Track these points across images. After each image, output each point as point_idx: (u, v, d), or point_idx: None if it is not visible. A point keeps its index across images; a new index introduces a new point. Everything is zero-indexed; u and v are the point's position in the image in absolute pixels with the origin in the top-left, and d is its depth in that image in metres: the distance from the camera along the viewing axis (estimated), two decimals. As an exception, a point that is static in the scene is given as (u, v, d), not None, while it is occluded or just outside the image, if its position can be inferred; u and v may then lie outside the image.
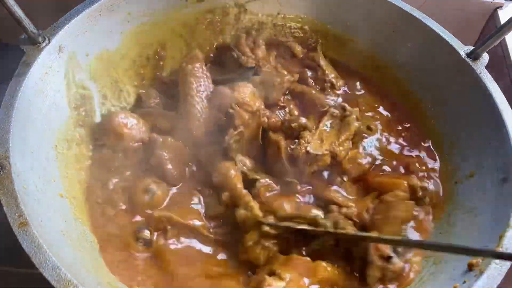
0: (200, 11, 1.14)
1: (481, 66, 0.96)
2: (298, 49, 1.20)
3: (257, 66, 1.08)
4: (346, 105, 1.01)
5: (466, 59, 0.97)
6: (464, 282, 0.72)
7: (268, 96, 1.04)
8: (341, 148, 0.96)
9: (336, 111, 1.00)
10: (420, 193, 0.93)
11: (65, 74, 0.92)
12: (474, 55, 0.97)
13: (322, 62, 1.16)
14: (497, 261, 0.72)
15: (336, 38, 1.20)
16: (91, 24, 0.95)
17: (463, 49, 0.99)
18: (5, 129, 0.75)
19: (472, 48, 0.98)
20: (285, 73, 1.09)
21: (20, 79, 0.80)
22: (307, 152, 0.91)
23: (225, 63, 1.13)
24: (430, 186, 0.97)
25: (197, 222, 0.87)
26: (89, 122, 0.97)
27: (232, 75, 1.07)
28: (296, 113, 1.08)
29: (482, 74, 0.95)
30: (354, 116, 0.99)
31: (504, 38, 1.13)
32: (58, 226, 0.76)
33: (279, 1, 1.18)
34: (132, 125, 0.94)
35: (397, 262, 0.81)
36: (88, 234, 0.82)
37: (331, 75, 1.15)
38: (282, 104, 1.08)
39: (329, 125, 0.98)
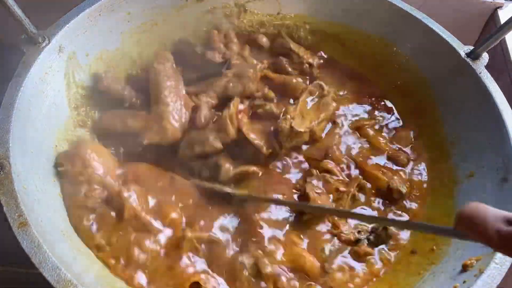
0: (200, 11, 1.14)
1: (481, 66, 0.96)
2: (263, 40, 1.17)
3: (227, 60, 1.05)
4: (323, 83, 1.04)
5: (466, 59, 0.97)
6: (464, 282, 0.72)
7: (245, 88, 1.03)
8: (319, 127, 1.00)
9: (314, 89, 1.03)
10: (396, 195, 0.96)
11: (65, 74, 0.92)
12: (474, 55, 0.97)
13: (292, 46, 1.15)
14: (497, 260, 0.72)
15: (336, 38, 1.20)
16: (91, 24, 0.96)
17: (463, 49, 0.99)
18: (5, 129, 0.75)
19: (472, 48, 0.98)
20: (255, 61, 1.09)
21: (20, 79, 0.80)
22: (291, 127, 0.94)
23: (187, 61, 1.08)
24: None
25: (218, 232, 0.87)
26: (89, 122, 0.97)
27: (203, 73, 1.04)
28: (273, 95, 1.07)
29: (482, 74, 0.95)
30: (331, 97, 1.03)
31: (504, 38, 1.13)
32: (58, 226, 0.76)
33: (279, 1, 1.18)
34: (101, 160, 0.86)
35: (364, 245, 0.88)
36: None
37: (305, 55, 1.14)
38: (258, 94, 1.05)
39: (309, 101, 1.02)
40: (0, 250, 0.90)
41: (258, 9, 1.18)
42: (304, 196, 0.92)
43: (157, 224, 0.83)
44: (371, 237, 0.90)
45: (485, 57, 0.96)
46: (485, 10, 1.29)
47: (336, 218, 0.91)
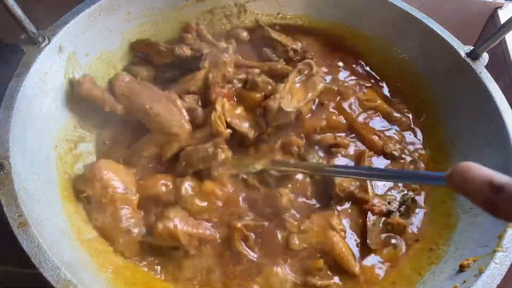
0: (200, 11, 1.14)
1: (481, 66, 0.96)
2: (243, 34, 1.15)
3: (201, 52, 1.02)
4: (312, 62, 1.04)
5: (466, 59, 0.97)
6: (464, 282, 0.72)
7: (225, 74, 1.00)
8: (306, 107, 1.00)
9: (303, 67, 1.03)
10: (390, 159, 1.02)
11: (65, 74, 0.92)
12: (474, 55, 0.97)
13: (273, 35, 1.14)
14: (497, 260, 0.72)
15: (336, 39, 1.20)
16: (91, 24, 0.96)
17: (463, 49, 0.99)
18: (5, 129, 0.75)
19: (472, 48, 0.98)
20: (223, 44, 1.05)
21: (20, 79, 0.80)
22: (280, 107, 0.94)
23: (156, 62, 1.04)
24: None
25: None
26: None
27: (180, 70, 1.01)
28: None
29: (482, 74, 0.95)
30: (320, 76, 1.03)
31: (504, 38, 1.13)
32: (58, 226, 0.76)
33: (279, 1, 1.18)
34: (118, 177, 0.85)
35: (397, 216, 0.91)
36: (88, 234, 0.82)
37: (288, 42, 1.13)
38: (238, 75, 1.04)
39: (297, 80, 1.01)
40: (0, 250, 0.90)
41: (258, 9, 1.18)
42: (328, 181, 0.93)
43: (210, 230, 0.85)
44: (402, 209, 0.93)
45: (485, 57, 0.96)
46: (485, 10, 1.29)
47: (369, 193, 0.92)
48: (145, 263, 0.83)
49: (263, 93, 0.99)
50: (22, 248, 0.66)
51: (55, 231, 0.74)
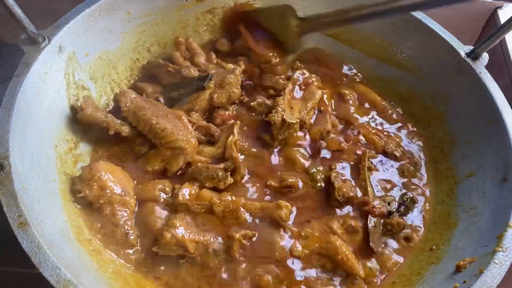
0: (200, 11, 1.14)
1: (481, 66, 0.96)
2: (224, 43, 1.16)
3: (207, 73, 1.04)
4: (305, 70, 1.07)
5: (466, 59, 0.98)
6: (464, 282, 0.72)
7: (230, 95, 1.01)
8: (308, 116, 1.01)
9: (297, 78, 1.06)
10: (391, 158, 1.02)
11: (65, 74, 0.92)
12: (474, 55, 0.97)
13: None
14: (497, 260, 0.72)
15: (336, 39, 1.20)
16: (91, 24, 0.96)
17: (463, 49, 0.99)
18: (5, 129, 0.75)
19: (472, 48, 0.98)
20: (231, 65, 1.08)
21: (20, 79, 0.80)
22: (283, 120, 0.95)
23: (164, 81, 1.06)
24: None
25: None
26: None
27: (186, 89, 1.01)
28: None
29: (482, 74, 0.95)
30: (316, 84, 1.05)
31: (504, 38, 1.13)
32: (58, 226, 0.76)
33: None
34: (117, 179, 0.86)
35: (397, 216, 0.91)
36: (87, 234, 0.82)
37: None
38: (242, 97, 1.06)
39: (295, 90, 1.04)
40: (0, 250, 0.90)
41: (258, 9, 1.18)
42: (329, 184, 0.93)
43: (211, 236, 0.84)
44: (402, 209, 0.93)
45: (485, 57, 0.97)
46: (485, 10, 1.29)
47: (369, 195, 0.92)
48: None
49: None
50: (22, 248, 0.66)
51: (55, 231, 0.74)
